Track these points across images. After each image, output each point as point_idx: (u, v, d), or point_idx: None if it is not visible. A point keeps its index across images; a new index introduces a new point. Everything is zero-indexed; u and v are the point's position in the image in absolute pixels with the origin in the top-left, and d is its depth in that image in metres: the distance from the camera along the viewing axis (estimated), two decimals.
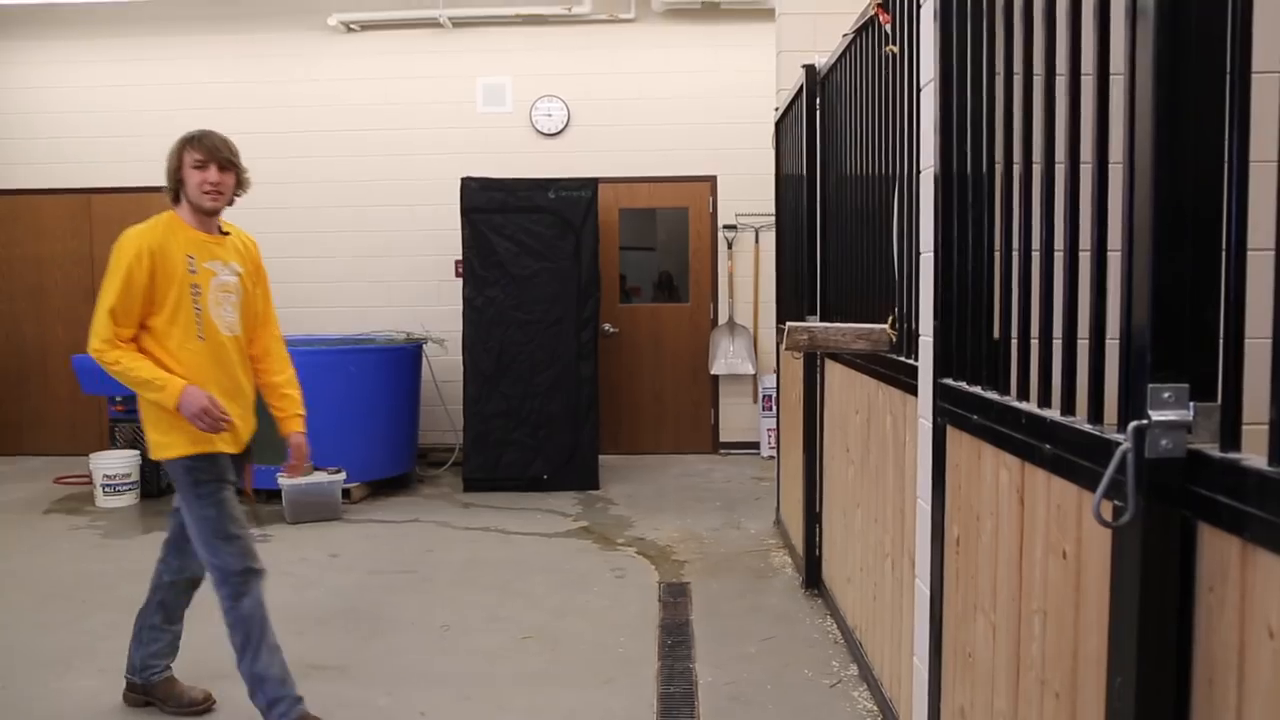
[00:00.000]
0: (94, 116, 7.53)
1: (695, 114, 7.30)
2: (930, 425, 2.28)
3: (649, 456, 7.45)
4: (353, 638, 3.74)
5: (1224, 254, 1.20)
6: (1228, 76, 1.18)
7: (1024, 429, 1.70)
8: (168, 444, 2.83)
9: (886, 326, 2.92)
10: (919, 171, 2.44)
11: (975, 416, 1.96)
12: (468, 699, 3.21)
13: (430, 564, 4.73)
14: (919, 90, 2.41)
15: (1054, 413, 1.62)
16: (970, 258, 2.00)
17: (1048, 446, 1.61)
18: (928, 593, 2.33)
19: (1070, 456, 1.52)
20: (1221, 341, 1.20)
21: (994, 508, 1.90)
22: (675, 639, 3.68)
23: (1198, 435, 1.22)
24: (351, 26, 7.37)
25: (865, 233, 3.24)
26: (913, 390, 2.55)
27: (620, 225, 7.48)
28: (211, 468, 2.83)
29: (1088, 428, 1.47)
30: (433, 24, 7.30)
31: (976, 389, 1.97)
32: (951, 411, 2.13)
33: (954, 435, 2.14)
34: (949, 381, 2.15)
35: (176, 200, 2.90)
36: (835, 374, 3.81)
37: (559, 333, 6.31)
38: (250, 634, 2.81)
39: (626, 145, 7.33)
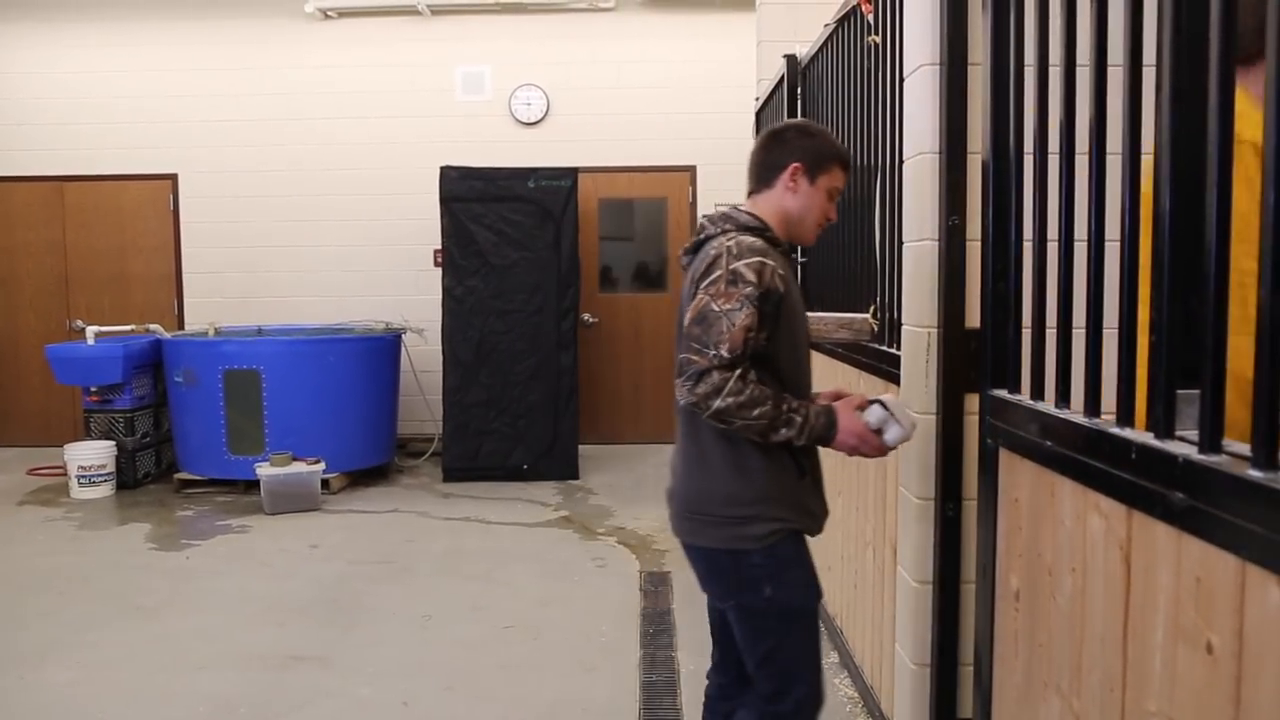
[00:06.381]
0: (66, 103, 7.39)
1: (675, 104, 7.28)
2: (978, 447, 2.02)
3: (629, 446, 7.45)
4: (333, 628, 3.72)
5: None
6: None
7: (1136, 468, 1.30)
8: None
9: (868, 316, 2.94)
10: (902, 161, 2.45)
11: (1048, 443, 1.61)
12: (450, 689, 3.20)
13: (411, 554, 4.72)
14: (902, 80, 2.42)
15: (1189, 449, 1.20)
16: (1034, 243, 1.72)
17: (1179, 495, 1.20)
18: (972, 653, 2.02)
19: (1231, 517, 1.09)
20: None
21: (1080, 563, 1.53)
22: (657, 627, 3.69)
23: None
24: (329, 14, 7.29)
25: (847, 222, 3.25)
26: (894, 379, 2.57)
27: (599, 215, 7.47)
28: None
29: (1258, 476, 1.05)
30: (411, 11, 7.24)
31: (1047, 407, 1.64)
32: (1009, 433, 1.79)
33: (1011, 462, 1.80)
34: (1004, 394, 1.83)
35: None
36: (815, 363, 3.81)
37: (539, 322, 6.29)
38: None
39: (606, 135, 7.31)
